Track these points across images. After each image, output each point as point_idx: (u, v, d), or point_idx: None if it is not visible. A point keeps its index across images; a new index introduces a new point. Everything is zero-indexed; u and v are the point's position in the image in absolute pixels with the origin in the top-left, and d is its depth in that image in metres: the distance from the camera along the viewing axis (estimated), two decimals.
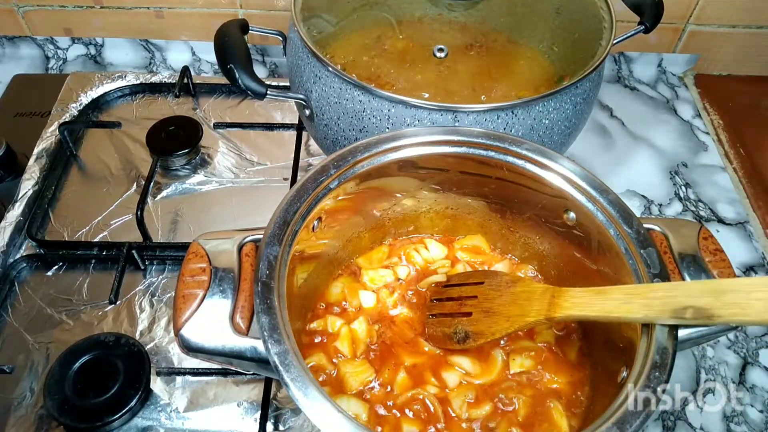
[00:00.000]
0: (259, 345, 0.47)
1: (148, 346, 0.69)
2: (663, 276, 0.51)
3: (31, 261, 0.77)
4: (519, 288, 0.57)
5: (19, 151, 0.89)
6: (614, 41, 0.70)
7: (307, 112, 0.72)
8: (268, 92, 0.67)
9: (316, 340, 0.61)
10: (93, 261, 0.77)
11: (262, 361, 0.47)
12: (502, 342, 0.61)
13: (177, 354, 0.69)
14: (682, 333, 0.49)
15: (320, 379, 0.58)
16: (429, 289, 0.65)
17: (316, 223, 0.57)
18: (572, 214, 0.59)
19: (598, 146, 0.97)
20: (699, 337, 0.50)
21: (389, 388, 0.58)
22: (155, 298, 0.74)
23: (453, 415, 0.56)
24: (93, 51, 1.09)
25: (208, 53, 1.08)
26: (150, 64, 1.08)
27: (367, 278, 0.65)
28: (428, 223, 0.69)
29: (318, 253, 0.62)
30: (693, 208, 0.89)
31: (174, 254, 0.77)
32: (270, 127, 0.94)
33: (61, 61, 1.08)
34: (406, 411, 0.56)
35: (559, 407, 0.56)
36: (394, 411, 0.56)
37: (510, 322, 0.55)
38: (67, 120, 0.91)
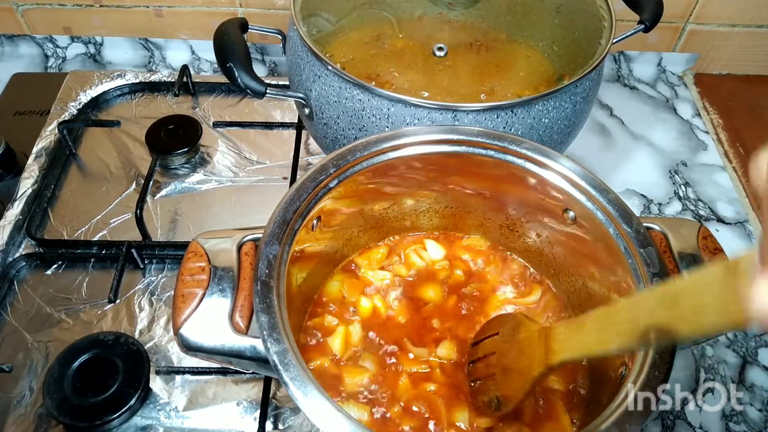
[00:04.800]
0: (259, 344, 0.47)
1: (148, 345, 0.69)
2: (662, 275, 0.51)
3: (31, 260, 0.77)
4: (522, 335, 0.53)
5: (19, 149, 0.89)
6: (614, 40, 0.70)
7: (307, 110, 0.72)
8: (268, 91, 0.67)
9: (315, 340, 0.60)
10: (92, 260, 0.77)
11: (262, 360, 0.47)
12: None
13: (176, 353, 0.69)
14: None
15: (321, 380, 0.58)
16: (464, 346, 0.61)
17: (315, 222, 0.57)
18: (572, 213, 0.59)
19: (597, 145, 0.97)
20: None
21: (390, 388, 0.58)
22: (154, 297, 0.74)
23: (455, 413, 0.56)
24: (92, 50, 1.08)
25: (207, 52, 1.08)
26: (149, 62, 1.08)
27: (366, 278, 0.65)
28: (427, 222, 0.69)
29: (317, 252, 0.62)
30: (692, 208, 0.89)
31: (173, 253, 0.77)
32: (269, 126, 0.94)
33: (61, 60, 1.08)
34: (407, 411, 0.56)
35: (561, 405, 0.56)
36: (394, 411, 0.56)
37: (523, 377, 0.51)
38: (66, 119, 0.91)
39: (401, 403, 0.56)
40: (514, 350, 0.53)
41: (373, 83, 0.65)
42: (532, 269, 0.68)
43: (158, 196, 0.85)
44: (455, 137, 0.59)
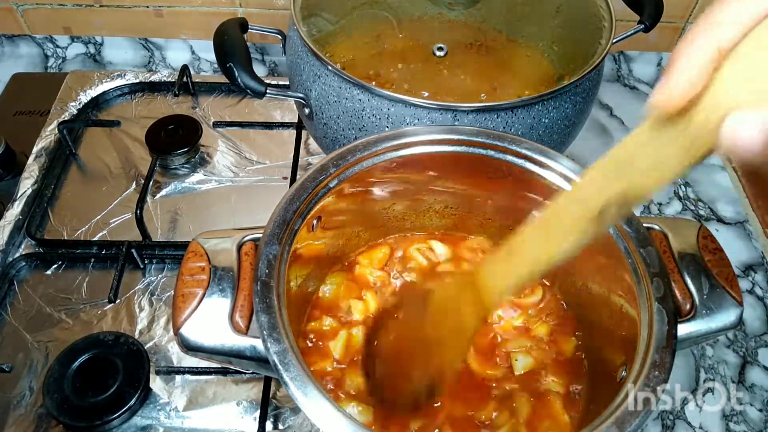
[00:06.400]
0: (259, 344, 0.47)
1: (148, 345, 0.69)
2: (662, 275, 0.51)
3: (31, 260, 0.77)
4: (435, 300, 0.45)
5: (19, 149, 0.88)
6: (614, 40, 0.70)
7: (307, 110, 0.72)
8: (268, 91, 0.67)
9: (314, 342, 0.60)
10: (92, 260, 0.77)
11: (262, 360, 0.47)
12: (498, 338, 0.61)
13: (176, 353, 0.69)
14: (681, 332, 0.49)
15: (321, 382, 0.57)
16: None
17: (315, 222, 0.57)
18: None
19: (597, 145, 0.97)
20: (698, 336, 0.50)
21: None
22: (154, 297, 0.74)
23: (455, 414, 0.56)
24: (92, 50, 1.08)
25: (207, 52, 1.08)
26: (149, 62, 1.08)
27: (367, 279, 0.65)
28: (428, 222, 0.69)
29: (317, 252, 0.62)
30: (692, 207, 0.89)
31: (173, 253, 0.77)
32: (269, 126, 0.94)
33: (61, 60, 1.08)
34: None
35: (560, 404, 0.57)
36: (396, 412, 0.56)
37: (454, 345, 0.44)
38: (66, 119, 0.91)
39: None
40: (428, 323, 0.46)
41: (373, 83, 0.65)
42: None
43: (158, 196, 0.85)
44: (455, 137, 0.59)
